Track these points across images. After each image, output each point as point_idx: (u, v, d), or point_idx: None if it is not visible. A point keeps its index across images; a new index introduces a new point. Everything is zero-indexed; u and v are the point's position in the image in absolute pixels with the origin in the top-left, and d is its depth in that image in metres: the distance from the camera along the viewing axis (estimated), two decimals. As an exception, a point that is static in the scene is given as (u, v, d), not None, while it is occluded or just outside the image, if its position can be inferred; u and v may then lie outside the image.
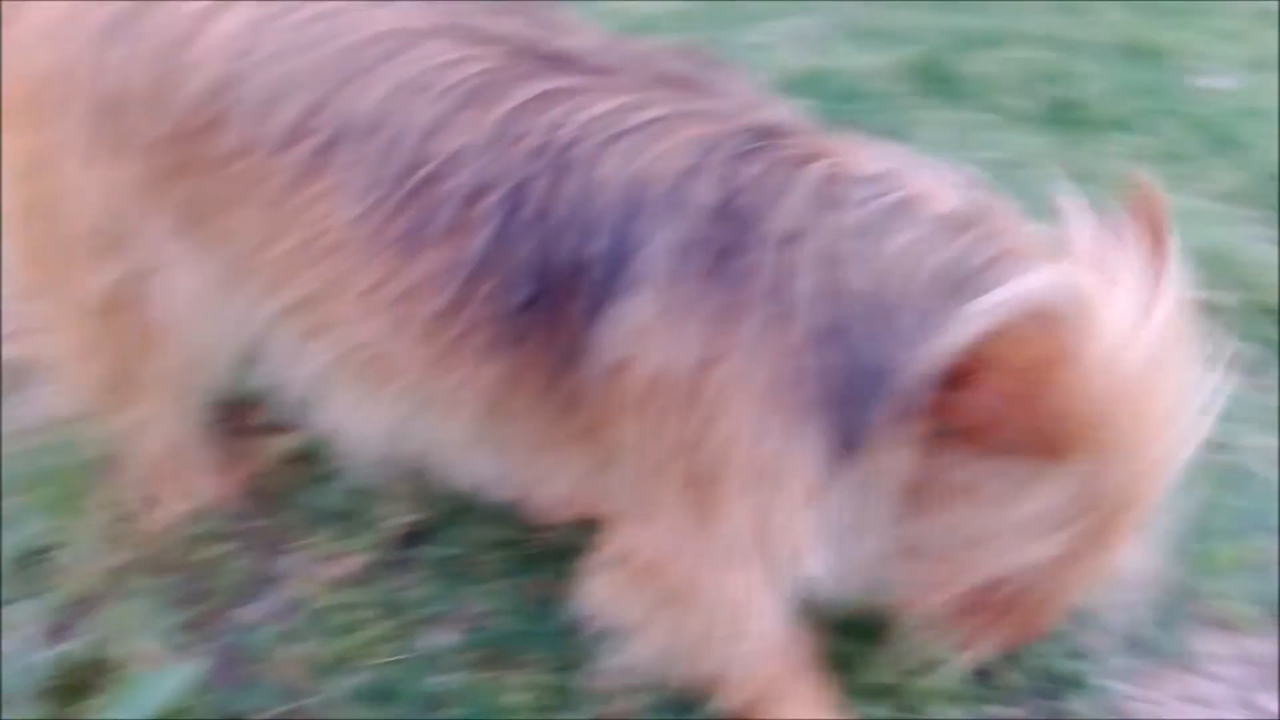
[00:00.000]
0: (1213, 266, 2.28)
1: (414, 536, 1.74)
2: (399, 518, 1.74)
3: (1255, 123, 2.77)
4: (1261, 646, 1.65)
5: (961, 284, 1.13)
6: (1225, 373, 0.95)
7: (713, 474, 1.21)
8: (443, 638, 1.62)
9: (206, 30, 1.26)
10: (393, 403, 1.38)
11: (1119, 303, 1.08)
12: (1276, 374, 2.11)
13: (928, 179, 1.21)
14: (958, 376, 1.10)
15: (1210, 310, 2.14)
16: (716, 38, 2.96)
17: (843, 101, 2.72)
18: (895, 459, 1.18)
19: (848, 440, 1.17)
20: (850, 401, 1.16)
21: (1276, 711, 1.57)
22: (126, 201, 1.36)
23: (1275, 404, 2.04)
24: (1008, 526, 1.17)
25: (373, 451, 1.46)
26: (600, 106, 1.20)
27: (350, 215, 1.24)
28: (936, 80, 2.82)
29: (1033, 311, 1.08)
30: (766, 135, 1.20)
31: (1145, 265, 1.12)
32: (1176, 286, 1.12)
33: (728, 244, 1.16)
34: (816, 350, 1.15)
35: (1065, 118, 2.75)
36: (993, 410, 1.10)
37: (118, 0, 1.29)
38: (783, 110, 1.26)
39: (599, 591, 1.37)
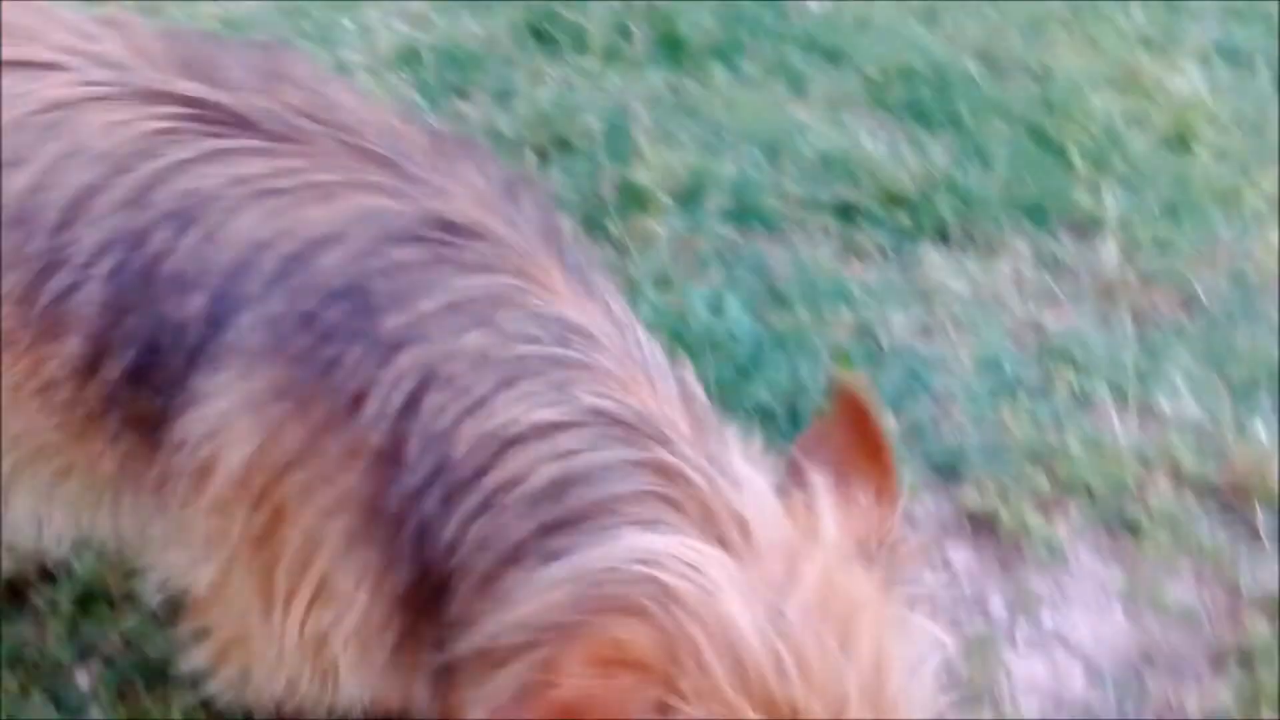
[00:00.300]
0: (839, 168, 2.47)
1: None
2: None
3: (855, 35, 2.99)
4: (934, 506, 1.83)
5: (556, 527, 0.98)
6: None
7: (277, 578, 1.10)
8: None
9: None
10: (57, 495, 1.25)
11: (752, 576, 0.91)
12: (914, 256, 2.31)
13: (633, 344, 1.06)
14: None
15: (846, 209, 2.35)
16: (317, 23, 2.89)
17: (454, 71, 2.71)
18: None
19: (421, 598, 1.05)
20: (425, 565, 1.03)
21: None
22: None
23: (916, 282, 2.24)
24: None
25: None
26: (257, 167, 1.07)
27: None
28: (542, 37, 2.86)
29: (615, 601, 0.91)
30: (444, 229, 1.05)
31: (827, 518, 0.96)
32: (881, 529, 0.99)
33: (334, 330, 1.01)
34: (392, 480, 1.01)
35: (670, 56, 2.86)
36: None
37: None
38: (508, 212, 1.10)
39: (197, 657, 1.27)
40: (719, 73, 2.80)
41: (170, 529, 1.16)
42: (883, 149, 2.61)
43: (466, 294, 1.03)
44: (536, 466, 0.99)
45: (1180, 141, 2.69)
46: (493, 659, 0.99)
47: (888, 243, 2.34)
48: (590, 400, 1.01)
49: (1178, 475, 1.85)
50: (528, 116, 2.49)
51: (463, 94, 2.70)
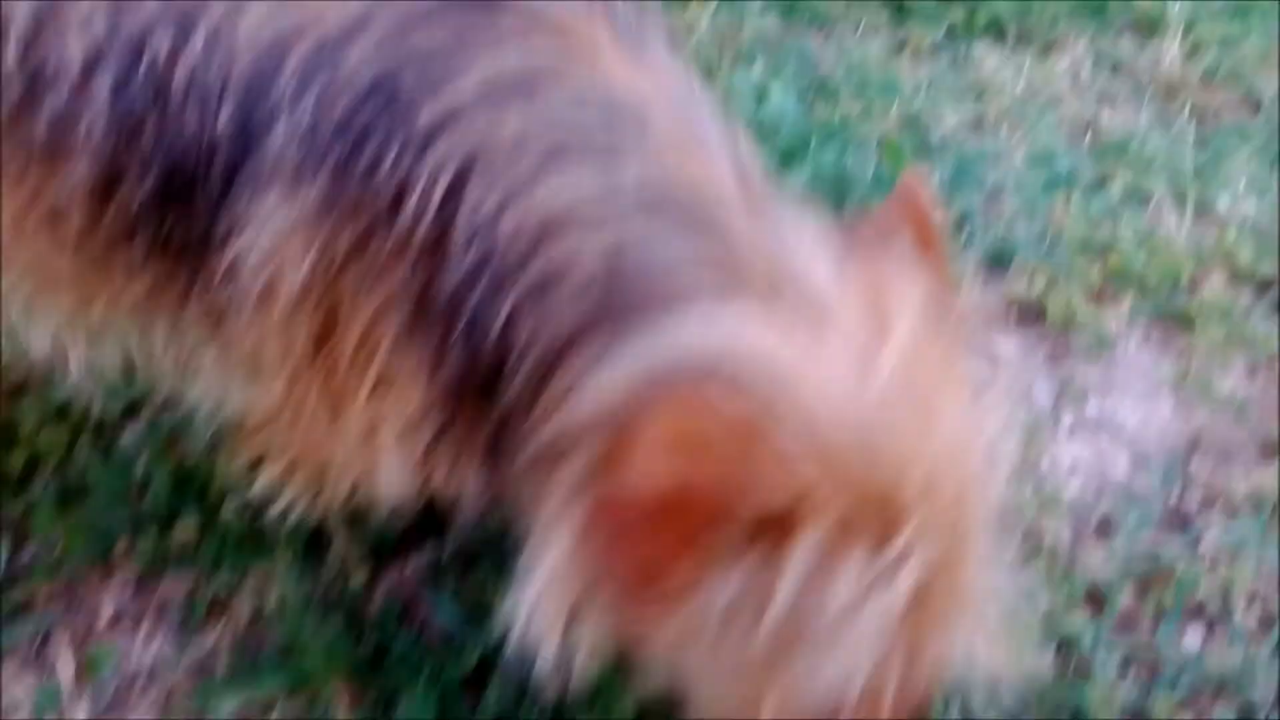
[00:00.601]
0: None
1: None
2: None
3: None
4: (984, 295, 1.78)
5: (612, 313, 0.92)
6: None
7: (339, 384, 1.07)
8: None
9: None
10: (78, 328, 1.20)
11: (829, 354, 0.85)
12: (968, 54, 2.22)
13: (686, 117, 0.97)
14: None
15: (897, 4, 2.25)
16: None
17: None
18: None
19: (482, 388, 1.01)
20: (477, 357, 0.98)
21: None
22: None
23: (969, 79, 2.15)
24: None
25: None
26: None
27: None
28: None
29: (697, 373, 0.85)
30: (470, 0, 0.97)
31: (890, 290, 0.90)
32: (946, 311, 0.91)
33: (368, 131, 0.95)
34: (440, 273, 0.96)
35: None
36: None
37: None
38: None
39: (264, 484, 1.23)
40: None
41: (223, 356, 1.13)
42: None
43: (501, 72, 0.94)
44: (585, 250, 0.93)
45: (1251, -59, 2.55)
46: (554, 453, 0.96)
47: (940, 39, 2.25)
48: (641, 178, 0.94)
49: (1233, 271, 1.80)
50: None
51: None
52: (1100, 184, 1.95)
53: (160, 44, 0.96)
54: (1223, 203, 1.93)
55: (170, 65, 0.96)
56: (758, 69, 2.08)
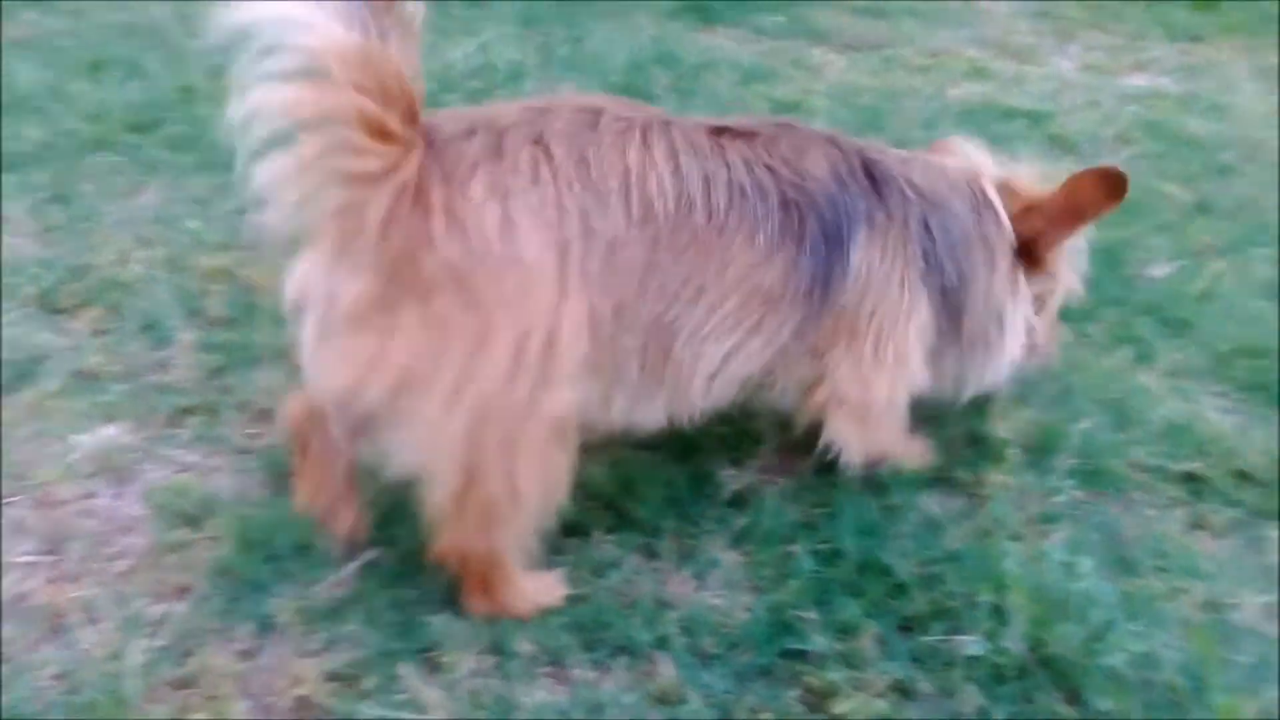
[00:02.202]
0: (1186, 439, 2.56)
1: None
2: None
3: (1199, 305, 3.10)
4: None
5: None
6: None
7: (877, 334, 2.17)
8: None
9: None
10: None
11: None
12: (1264, 536, 2.35)
13: None
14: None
15: (1190, 480, 2.42)
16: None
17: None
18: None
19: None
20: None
21: None
22: None
23: (1267, 563, 2.27)
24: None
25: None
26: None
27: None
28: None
29: None
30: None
31: None
32: None
33: (878, 193, 2.14)
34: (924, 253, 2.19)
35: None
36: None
37: None
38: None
39: (831, 431, 2.27)
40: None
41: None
42: (1229, 424, 2.67)
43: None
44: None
45: None
46: None
47: (1237, 519, 2.39)
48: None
49: None
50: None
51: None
52: None
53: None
54: None
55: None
56: (1059, 537, 2.28)
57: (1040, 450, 2.50)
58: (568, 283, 1.80)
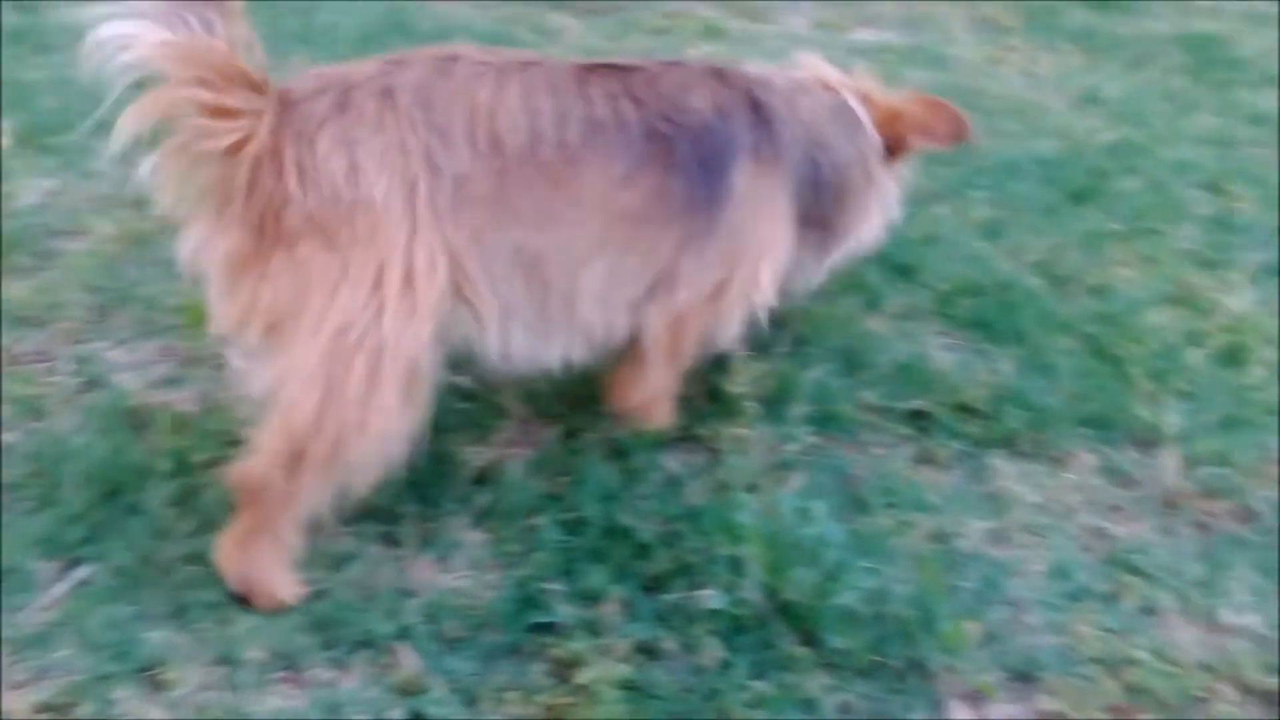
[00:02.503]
0: (913, 379, 2.66)
1: None
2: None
3: (923, 250, 3.23)
4: (1011, 710, 1.94)
5: None
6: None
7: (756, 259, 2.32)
8: None
9: None
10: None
11: None
12: (986, 464, 2.47)
13: None
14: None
15: (917, 417, 2.52)
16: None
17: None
18: None
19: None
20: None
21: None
22: None
23: (989, 490, 2.39)
24: None
25: None
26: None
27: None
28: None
29: None
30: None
31: None
32: None
33: (764, 127, 2.28)
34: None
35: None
36: None
37: None
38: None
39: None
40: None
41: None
42: (952, 361, 2.80)
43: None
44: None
45: (1235, 358, 2.85)
46: None
47: (961, 451, 2.51)
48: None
49: (1242, 685, 1.95)
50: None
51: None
52: (1114, 597, 2.14)
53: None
54: (1227, 614, 2.11)
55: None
56: (797, 483, 2.34)
57: (775, 400, 2.56)
58: (417, 218, 1.93)
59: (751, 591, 1.97)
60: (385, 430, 1.95)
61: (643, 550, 2.12)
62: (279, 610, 1.98)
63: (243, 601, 1.98)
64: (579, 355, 2.24)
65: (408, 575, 2.09)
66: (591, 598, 2.02)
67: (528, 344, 2.16)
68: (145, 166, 1.85)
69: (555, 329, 2.17)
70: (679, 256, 2.21)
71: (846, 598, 1.97)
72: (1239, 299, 3.08)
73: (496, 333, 2.10)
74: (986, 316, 2.99)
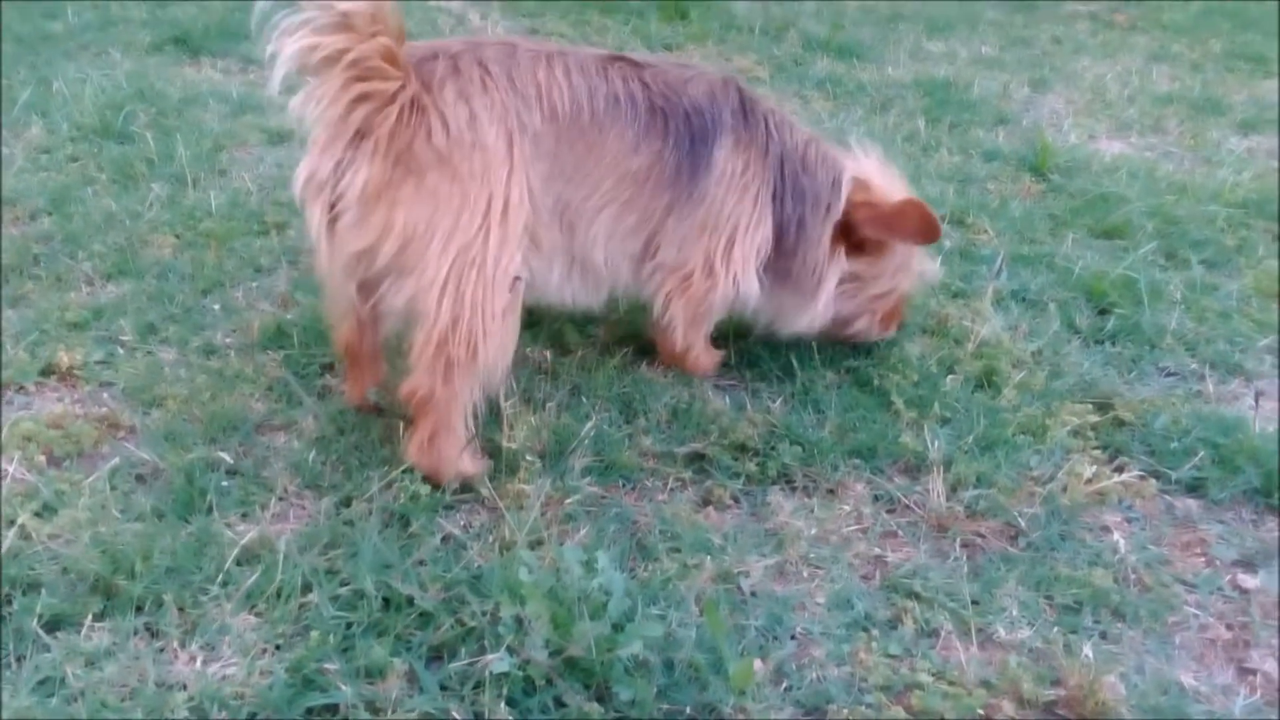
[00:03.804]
0: (688, 421, 2.68)
1: None
2: None
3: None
4: (805, 741, 1.95)
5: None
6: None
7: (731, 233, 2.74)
8: None
9: None
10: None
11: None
12: (765, 501, 2.50)
13: None
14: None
15: (696, 459, 2.53)
16: (183, 306, 3.02)
17: (321, 346, 2.87)
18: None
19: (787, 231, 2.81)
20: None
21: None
22: None
23: (769, 526, 2.42)
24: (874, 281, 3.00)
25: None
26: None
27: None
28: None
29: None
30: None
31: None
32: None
33: (745, 117, 2.73)
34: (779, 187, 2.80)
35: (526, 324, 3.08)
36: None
37: None
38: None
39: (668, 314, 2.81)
40: (572, 338, 3.02)
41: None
42: (727, 402, 2.84)
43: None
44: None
45: (989, 382, 2.99)
46: None
47: (740, 490, 2.53)
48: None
49: (1019, 699, 2.02)
50: (395, 388, 2.64)
51: (330, 369, 2.85)
52: (894, 623, 2.19)
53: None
54: (1001, 629, 2.18)
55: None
56: (582, 535, 2.31)
57: (555, 453, 2.53)
58: (513, 161, 2.34)
59: (538, 651, 1.91)
60: (501, 336, 2.36)
61: (425, 619, 2.03)
62: (469, 481, 2.42)
63: (434, 484, 2.39)
64: (594, 299, 2.72)
65: (171, 669, 1.94)
66: (373, 674, 1.93)
67: (561, 281, 2.60)
68: (301, 98, 2.20)
69: (576, 270, 2.61)
70: (666, 218, 2.65)
71: (634, 648, 1.93)
72: (988, 326, 3.25)
73: (547, 266, 2.53)
74: (755, 356, 3.05)
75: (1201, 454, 2.71)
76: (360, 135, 2.23)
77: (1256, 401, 3.03)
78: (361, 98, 2.19)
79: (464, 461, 2.42)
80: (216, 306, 3.13)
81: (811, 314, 2.93)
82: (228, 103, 4.84)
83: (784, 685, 2.01)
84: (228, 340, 2.96)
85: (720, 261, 2.72)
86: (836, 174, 2.86)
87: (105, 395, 2.70)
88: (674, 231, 2.66)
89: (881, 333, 3.12)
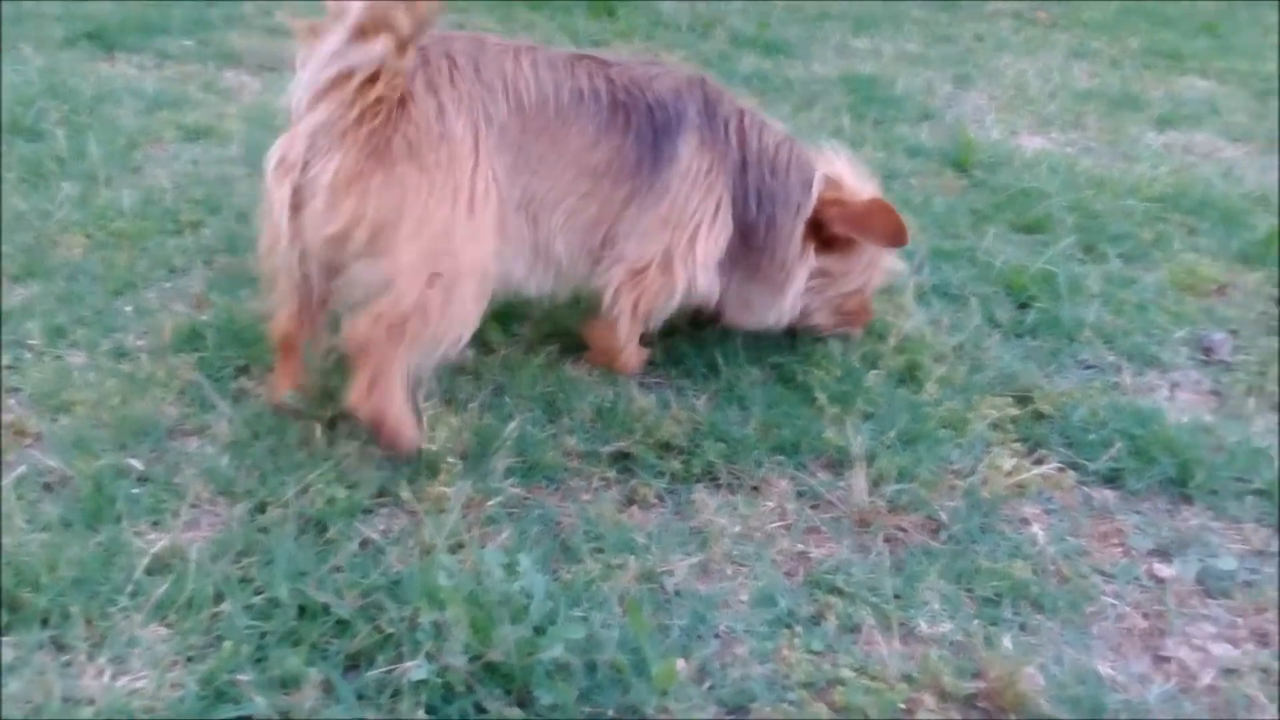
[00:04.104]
0: (612, 420, 2.66)
1: None
2: None
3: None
4: (728, 740, 1.94)
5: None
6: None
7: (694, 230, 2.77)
8: None
9: None
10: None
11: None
12: (689, 499, 2.49)
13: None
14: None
15: (620, 458, 2.51)
16: (93, 308, 2.95)
17: (236, 348, 2.81)
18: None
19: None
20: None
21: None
22: None
23: (694, 525, 2.41)
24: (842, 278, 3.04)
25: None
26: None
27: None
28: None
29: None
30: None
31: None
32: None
33: (710, 116, 2.76)
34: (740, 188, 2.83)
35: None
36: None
37: None
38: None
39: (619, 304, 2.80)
40: (496, 337, 2.98)
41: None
42: (651, 400, 2.82)
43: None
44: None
45: (911, 376, 3.01)
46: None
47: (665, 488, 2.52)
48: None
49: (940, 692, 2.03)
50: (314, 391, 2.59)
51: (245, 372, 2.79)
52: (818, 619, 2.19)
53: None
54: (923, 623, 2.19)
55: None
56: (504, 537, 2.28)
57: (476, 455, 2.50)
58: (479, 153, 2.40)
59: (457, 657, 1.88)
60: (462, 317, 2.42)
61: (341, 627, 1.99)
62: (404, 444, 2.45)
63: (375, 437, 2.45)
64: (559, 290, 2.79)
65: (79, 683, 1.88)
66: (288, 684, 1.88)
67: (526, 272, 2.65)
68: (296, 85, 2.30)
69: (540, 261, 2.66)
70: (625, 209, 2.68)
71: (555, 651, 1.91)
72: (910, 321, 3.27)
73: (514, 257, 2.59)
74: (680, 353, 3.04)
75: (1118, 445, 2.75)
76: (341, 125, 2.28)
77: (1170, 394, 3.08)
78: (374, 103, 2.27)
79: (402, 422, 2.44)
80: (128, 308, 3.05)
81: (779, 310, 2.98)
82: (143, 99, 4.73)
83: (707, 684, 2.00)
84: (139, 343, 2.89)
85: (680, 258, 2.74)
86: (808, 174, 2.90)
87: (11, 401, 2.62)
88: (634, 224, 2.69)
89: (851, 330, 3.15)
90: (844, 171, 3.00)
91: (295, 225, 2.33)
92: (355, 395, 2.39)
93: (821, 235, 2.93)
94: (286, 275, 2.44)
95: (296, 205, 2.31)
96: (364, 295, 2.38)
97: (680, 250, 2.73)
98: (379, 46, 2.22)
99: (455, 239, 2.35)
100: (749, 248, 2.85)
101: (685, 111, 2.70)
